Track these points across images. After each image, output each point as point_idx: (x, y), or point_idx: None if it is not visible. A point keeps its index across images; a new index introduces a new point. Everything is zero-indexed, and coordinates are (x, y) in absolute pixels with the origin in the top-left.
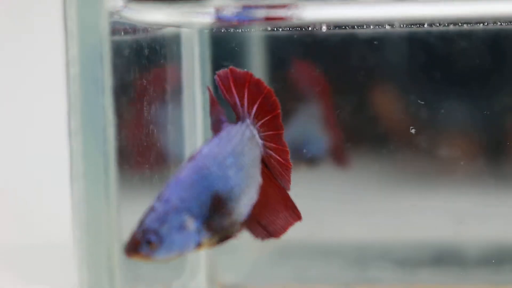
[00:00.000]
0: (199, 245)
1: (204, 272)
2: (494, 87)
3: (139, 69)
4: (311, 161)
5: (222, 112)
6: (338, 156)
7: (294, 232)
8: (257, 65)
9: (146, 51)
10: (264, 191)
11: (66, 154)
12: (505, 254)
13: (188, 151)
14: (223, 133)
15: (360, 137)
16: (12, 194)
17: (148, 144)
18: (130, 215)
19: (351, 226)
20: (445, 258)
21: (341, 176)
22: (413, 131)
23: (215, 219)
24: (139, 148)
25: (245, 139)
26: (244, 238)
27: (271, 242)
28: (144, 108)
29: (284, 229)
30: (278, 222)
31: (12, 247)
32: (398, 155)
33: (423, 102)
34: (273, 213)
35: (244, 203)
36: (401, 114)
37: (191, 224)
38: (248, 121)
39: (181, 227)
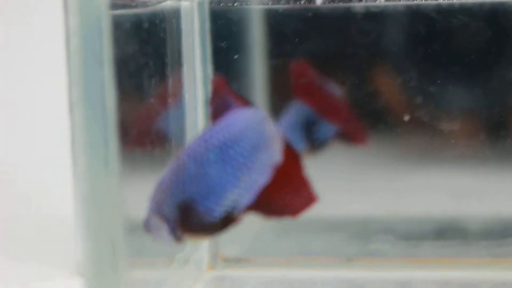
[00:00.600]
0: (181, 241)
1: (206, 246)
2: (494, 62)
3: (139, 43)
4: (317, 146)
5: (228, 96)
6: (355, 135)
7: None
8: (256, 41)
9: (145, 25)
10: (282, 171)
11: (67, 127)
12: (507, 228)
13: (188, 125)
14: (223, 121)
15: (361, 114)
16: (13, 168)
17: (149, 117)
18: (132, 187)
19: (354, 202)
20: (447, 232)
21: (343, 153)
22: (406, 118)
23: (188, 221)
24: (140, 121)
25: (252, 123)
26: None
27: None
28: (145, 81)
29: (301, 208)
30: (295, 202)
31: (14, 221)
32: (399, 132)
33: (425, 81)
34: (290, 193)
35: (241, 192)
36: (401, 91)
37: (164, 227)
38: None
39: (158, 230)
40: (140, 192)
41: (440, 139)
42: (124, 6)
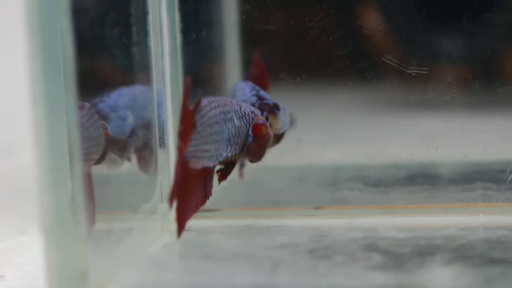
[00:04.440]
0: None
1: None
2: (466, 8)
3: None
4: None
5: None
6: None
7: (269, 157)
8: None
9: None
10: None
11: (26, 76)
12: (473, 173)
13: (155, 73)
14: None
15: (331, 59)
16: None
17: (112, 67)
18: None
19: (326, 150)
20: (415, 178)
21: (318, 101)
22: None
23: None
24: (102, 70)
25: None
26: None
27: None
28: (106, 31)
29: None
30: None
31: None
32: (368, 78)
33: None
34: None
35: None
36: (383, 41)
37: None
38: None
39: None
40: None
41: (410, 84)
42: None
